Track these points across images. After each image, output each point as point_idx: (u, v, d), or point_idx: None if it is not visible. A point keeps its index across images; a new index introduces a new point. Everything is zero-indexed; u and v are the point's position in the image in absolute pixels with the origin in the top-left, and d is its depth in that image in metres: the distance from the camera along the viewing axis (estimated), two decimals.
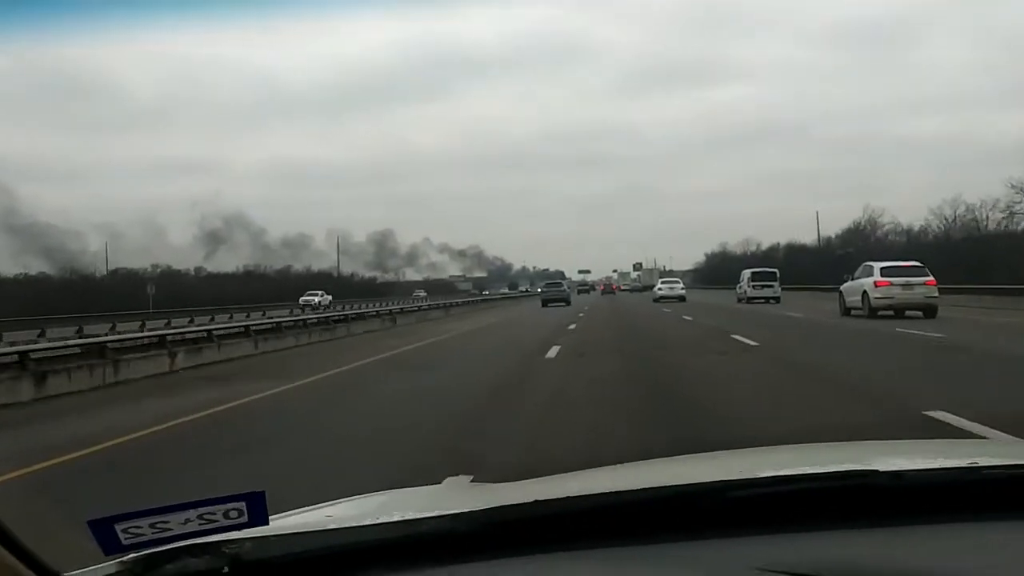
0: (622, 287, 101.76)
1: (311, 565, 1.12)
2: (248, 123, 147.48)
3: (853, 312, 26.65)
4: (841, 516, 1.17)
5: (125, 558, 1.07)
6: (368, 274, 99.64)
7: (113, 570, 1.10)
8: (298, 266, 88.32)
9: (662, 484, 1.29)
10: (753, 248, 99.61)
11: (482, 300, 63.61)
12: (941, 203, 65.07)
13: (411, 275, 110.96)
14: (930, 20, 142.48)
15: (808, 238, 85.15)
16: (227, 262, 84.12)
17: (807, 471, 1.32)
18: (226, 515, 1.05)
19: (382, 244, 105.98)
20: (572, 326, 25.54)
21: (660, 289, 55.52)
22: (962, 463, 1.34)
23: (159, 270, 70.54)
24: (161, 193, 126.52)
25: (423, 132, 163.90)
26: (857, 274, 27.28)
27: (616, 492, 1.24)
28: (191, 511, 1.04)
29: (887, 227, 73.48)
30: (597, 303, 52.85)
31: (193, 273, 74.79)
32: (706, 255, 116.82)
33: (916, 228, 66.80)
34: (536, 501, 1.19)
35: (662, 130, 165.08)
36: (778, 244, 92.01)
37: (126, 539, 1.01)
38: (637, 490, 1.24)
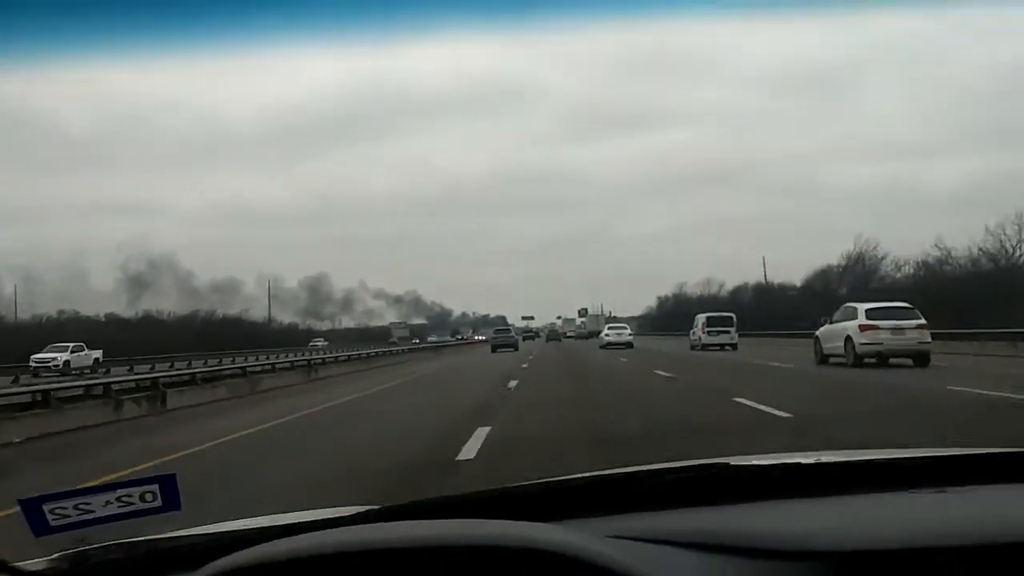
0: (568, 333, 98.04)
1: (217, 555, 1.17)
2: (181, 162, 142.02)
3: (832, 360, 22.92)
4: (692, 499, 1.36)
5: (54, 556, 1.11)
6: (288, 320, 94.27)
7: (44, 566, 1.15)
8: (229, 312, 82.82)
9: (552, 479, 1.50)
10: (715, 290, 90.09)
11: (408, 350, 52.41)
12: (1002, 219, 50.39)
13: (347, 322, 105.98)
14: (866, 68, 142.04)
15: (773, 280, 78.07)
16: (153, 308, 78.80)
17: (669, 466, 1.54)
18: (142, 497, 1.13)
19: (316, 289, 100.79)
20: (479, 433, 9.83)
21: (607, 335, 52.40)
22: (808, 460, 1.53)
23: (64, 316, 65.11)
24: (87, 235, 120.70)
25: (364, 174, 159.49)
26: (836, 317, 23.48)
27: (505, 487, 1.43)
28: (110, 493, 1.12)
29: (889, 259, 61.03)
30: (543, 351, 48.53)
31: (103, 319, 69.16)
32: (659, 298, 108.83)
33: (926, 260, 54.50)
34: (438, 497, 1.37)
35: (608, 174, 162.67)
36: (746, 284, 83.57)
37: (53, 520, 1.09)
38: (525, 484, 1.46)
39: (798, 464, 1.52)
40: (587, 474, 1.50)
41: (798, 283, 72.26)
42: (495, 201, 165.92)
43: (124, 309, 74.95)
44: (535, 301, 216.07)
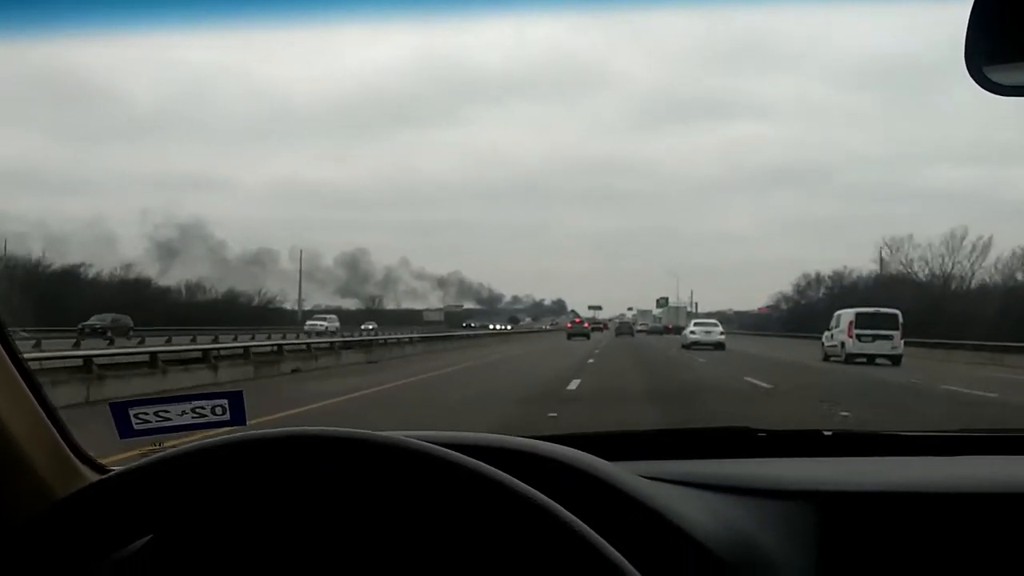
0: (639, 326, 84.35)
1: None
2: (236, 136, 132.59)
3: None
4: (715, 453, 1.57)
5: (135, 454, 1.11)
6: (324, 300, 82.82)
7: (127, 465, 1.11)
8: (246, 287, 72.41)
9: (603, 431, 1.73)
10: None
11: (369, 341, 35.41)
12: None
13: (388, 303, 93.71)
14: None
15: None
16: (179, 275, 70.84)
17: (701, 426, 1.78)
18: (213, 411, 1.19)
19: (354, 267, 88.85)
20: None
21: (693, 332, 42.26)
22: (814, 428, 1.72)
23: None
24: (122, 203, 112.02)
25: (428, 157, 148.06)
26: None
27: (559, 435, 1.57)
28: (186, 404, 1.18)
29: None
30: (609, 352, 35.70)
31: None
32: (795, 284, 73.68)
33: None
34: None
35: (682, 168, 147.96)
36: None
37: (137, 424, 1.17)
38: (578, 433, 1.64)
39: (810, 431, 1.70)
40: (633, 429, 1.77)
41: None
42: (558, 189, 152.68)
43: (155, 277, 68.17)
44: (602, 292, 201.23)
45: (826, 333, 31.38)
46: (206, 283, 71.05)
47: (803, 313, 59.75)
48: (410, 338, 40.59)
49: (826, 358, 29.91)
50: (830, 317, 31.30)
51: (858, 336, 28.16)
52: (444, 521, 0.90)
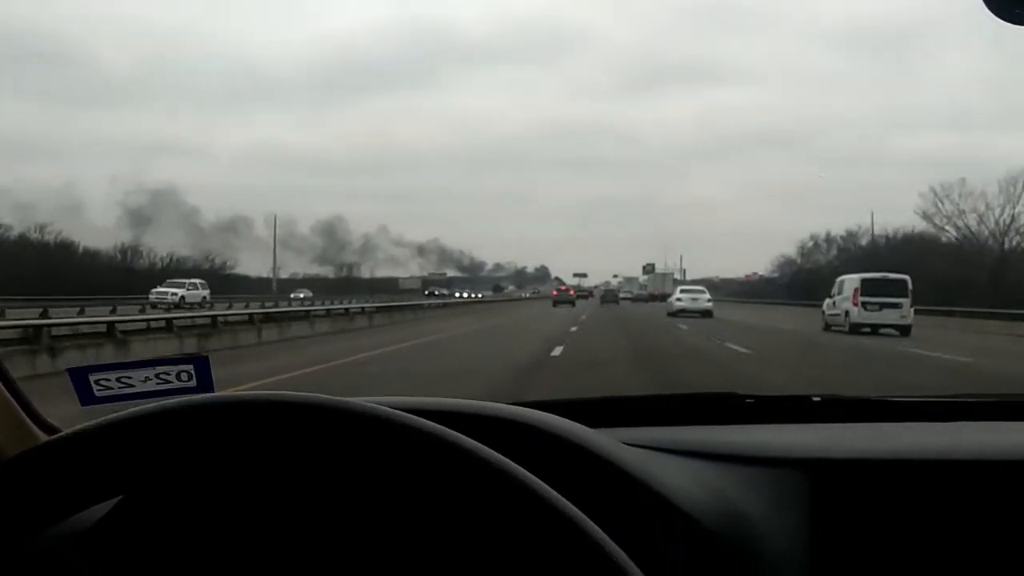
0: (622, 294, 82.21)
1: None
2: (209, 100, 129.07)
3: None
4: (702, 419, 1.53)
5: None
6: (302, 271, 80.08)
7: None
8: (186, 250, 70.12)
9: (584, 397, 1.63)
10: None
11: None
12: None
13: (365, 272, 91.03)
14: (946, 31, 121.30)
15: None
16: (154, 243, 69.93)
17: (685, 392, 1.71)
18: (178, 376, 1.14)
19: (331, 235, 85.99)
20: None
21: (680, 300, 41.08)
22: (801, 393, 1.69)
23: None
24: (91, 169, 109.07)
25: (406, 122, 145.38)
26: None
27: (539, 400, 1.48)
28: (150, 369, 1.13)
29: None
30: (592, 326, 33.46)
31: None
32: (800, 246, 66.73)
33: None
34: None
35: (664, 133, 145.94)
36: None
37: (98, 391, 1.11)
38: (558, 400, 1.53)
39: (799, 396, 1.65)
40: (616, 395, 1.71)
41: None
42: (540, 155, 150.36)
43: (127, 243, 66.87)
44: (587, 259, 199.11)
45: (827, 301, 29.27)
46: (143, 248, 67.69)
47: (806, 278, 53.93)
48: (307, 312, 29.43)
49: (827, 328, 27.81)
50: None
51: (864, 304, 26.01)
52: (405, 487, 0.89)
